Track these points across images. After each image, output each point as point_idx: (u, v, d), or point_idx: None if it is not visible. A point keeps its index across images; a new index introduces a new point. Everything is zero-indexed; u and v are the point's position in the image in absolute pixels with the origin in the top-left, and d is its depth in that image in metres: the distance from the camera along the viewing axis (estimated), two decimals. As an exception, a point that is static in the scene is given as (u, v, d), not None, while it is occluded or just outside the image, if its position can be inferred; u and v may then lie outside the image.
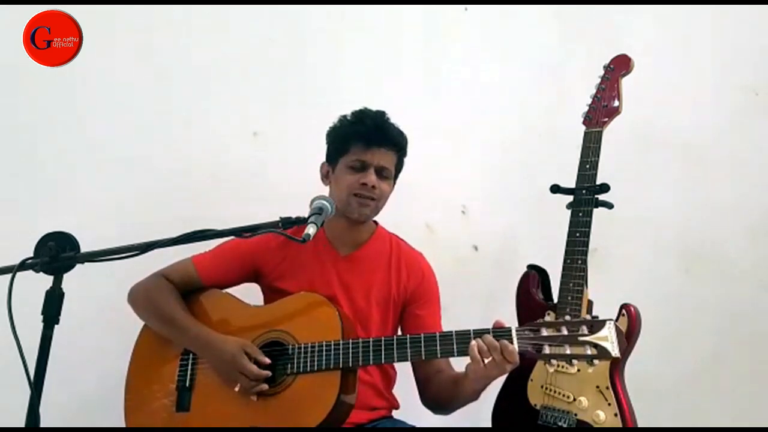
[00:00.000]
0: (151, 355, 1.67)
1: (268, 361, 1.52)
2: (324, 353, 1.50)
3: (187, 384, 1.60)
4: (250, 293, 1.78)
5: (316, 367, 1.49)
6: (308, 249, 1.62)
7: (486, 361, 1.35)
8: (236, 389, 1.51)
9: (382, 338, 1.50)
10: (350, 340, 1.50)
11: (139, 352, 1.69)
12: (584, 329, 1.29)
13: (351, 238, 1.75)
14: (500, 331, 1.37)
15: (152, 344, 1.68)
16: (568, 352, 1.29)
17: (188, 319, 1.64)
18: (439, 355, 1.43)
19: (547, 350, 1.31)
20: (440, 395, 1.64)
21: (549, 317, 1.81)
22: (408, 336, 1.48)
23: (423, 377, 1.69)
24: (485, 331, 1.38)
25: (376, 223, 1.82)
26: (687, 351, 2.34)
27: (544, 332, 1.33)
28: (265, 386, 1.50)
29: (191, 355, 1.63)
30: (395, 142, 1.71)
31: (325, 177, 1.77)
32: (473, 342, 1.37)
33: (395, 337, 1.50)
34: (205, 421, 1.56)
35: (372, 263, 1.74)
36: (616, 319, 1.74)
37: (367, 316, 1.69)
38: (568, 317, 1.36)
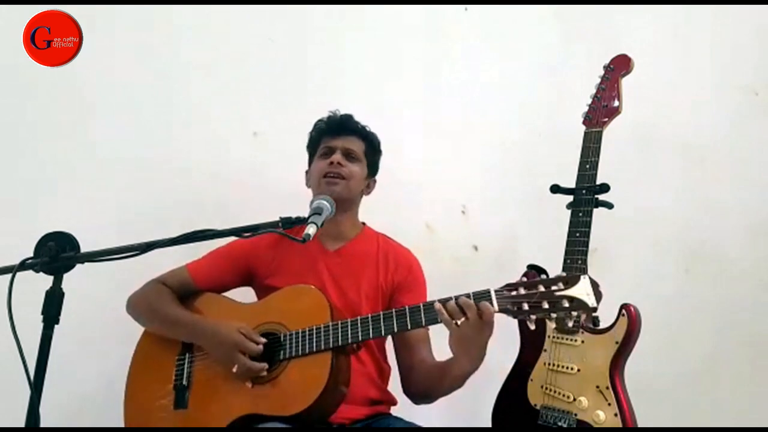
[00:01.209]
0: (149, 360, 1.70)
1: (263, 340, 1.55)
2: (314, 336, 1.52)
3: (184, 382, 1.62)
4: (244, 297, 1.79)
5: (307, 350, 1.51)
6: (297, 246, 1.63)
7: (459, 322, 1.39)
8: (234, 370, 1.52)
9: (369, 315, 1.52)
10: (339, 321, 1.52)
11: (137, 359, 1.72)
12: (560, 284, 1.34)
13: (337, 233, 1.79)
14: (479, 294, 1.40)
15: (150, 350, 1.71)
16: (546, 306, 1.33)
17: (185, 314, 1.68)
18: (423, 323, 1.45)
19: (525, 307, 1.35)
20: (423, 382, 1.68)
21: (549, 317, 1.81)
22: (394, 309, 1.50)
23: (407, 366, 1.72)
24: (465, 296, 1.41)
25: (363, 223, 1.86)
26: (687, 351, 2.34)
27: (522, 291, 1.36)
28: (262, 367, 1.51)
29: (187, 355, 1.65)
30: (359, 130, 1.85)
31: (308, 181, 1.87)
32: (437, 304, 1.42)
33: (381, 312, 1.52)
34: (203, 415, 1.57)
35: (360, 259, 1.78)
36: (616, 319, 1.74)
37: (358, 308, 1.70)
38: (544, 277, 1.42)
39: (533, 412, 1.82)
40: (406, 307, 1.49)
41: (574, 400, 1.75)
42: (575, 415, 1.75)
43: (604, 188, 1.81)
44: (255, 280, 1.79)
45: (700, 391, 2.32)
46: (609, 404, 1.71)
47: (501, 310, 1.38)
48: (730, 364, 2.34)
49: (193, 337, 1.65)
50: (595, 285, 1.33)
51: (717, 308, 2.36)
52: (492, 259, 2.40)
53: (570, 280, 1.34)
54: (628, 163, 2.31)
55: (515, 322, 1.91)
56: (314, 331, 1.52)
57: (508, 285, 1.40)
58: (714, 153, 2.46)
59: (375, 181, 1.90)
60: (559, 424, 1.76)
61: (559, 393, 1.78)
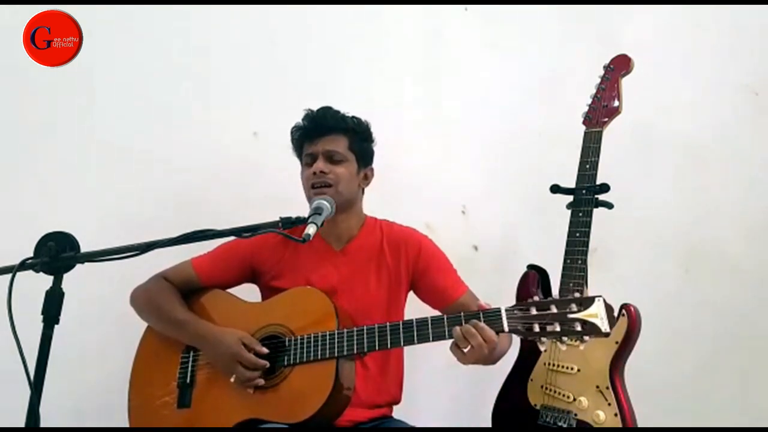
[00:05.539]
0: (153, 356, 1.69)
1: (265, 350, 1.54)
2: (320, 343, 1.51)
3: (188, 381, 1.62)
4: (250, 293, 1.78)
5: (312, 357, 1.50)
6: (304, 247, 1.62)
7: (466, 350, 1.38)
8: (231, 380, 1.53)
9: (376, 326, 1.51)
10: (345, 330, 1.51)
11: (141, 354, 1.71)
12: (573, 307, 1.30)
13: (341, 231, 1.77)
14: (490, 313, 1.38)
15: (154, 345, 1.70)
16: (557, 329, 1.30)
17: (187, 315, 1.66)
18: (431, 339, 1.44)
19: (536, 329, 1.32)
20: None
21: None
22: (401, 322, 1.49)
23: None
24: (475, 315, 1.39)
25: (365, 215, 1.84)
26: (687, 351, 2.34)
27: (534, 311, 1.33)
28: (261, 381, 1.51)
29: (191, 353, 1.65)
30: (339, 126, 1.74)
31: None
32: (457, 328, 1.39)
33: (388, 324, 1.50)
34: (206, 416, 1.57)
35: (367, 252, 1.76)
36: (616, 319, 1.74)
37: (369, 305, 1.70)
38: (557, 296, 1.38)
39: (533, 412, 1.82)
40: (414, 319, 1.47)
41: (574, 400, 1.75)
42: (575, 415, 1.75)
43: (604, 188, 1.81)
44: (260, 279, 1.78)
45: (700, 391, 2.32)
46: (609, 404, 1.71)
47: (510, 331, 1.35)
48: (730, 363, 2.34)
49: (193, 341, 1.64)
50: (609, 309, 1.29)
51: (717, 308, 2.36)
52: (492, 259, 2.40)
53: (584, 303, 1.30)
54: (628, 163, 2.31)
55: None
56: (319, 338, 1.52)
57: (519, 304, 1.37)
58: (714, 153, 2.45)
59: (372, 170, 1.83)
60: (559, 424, 1.76)
61: (559, 393, 1.78)
